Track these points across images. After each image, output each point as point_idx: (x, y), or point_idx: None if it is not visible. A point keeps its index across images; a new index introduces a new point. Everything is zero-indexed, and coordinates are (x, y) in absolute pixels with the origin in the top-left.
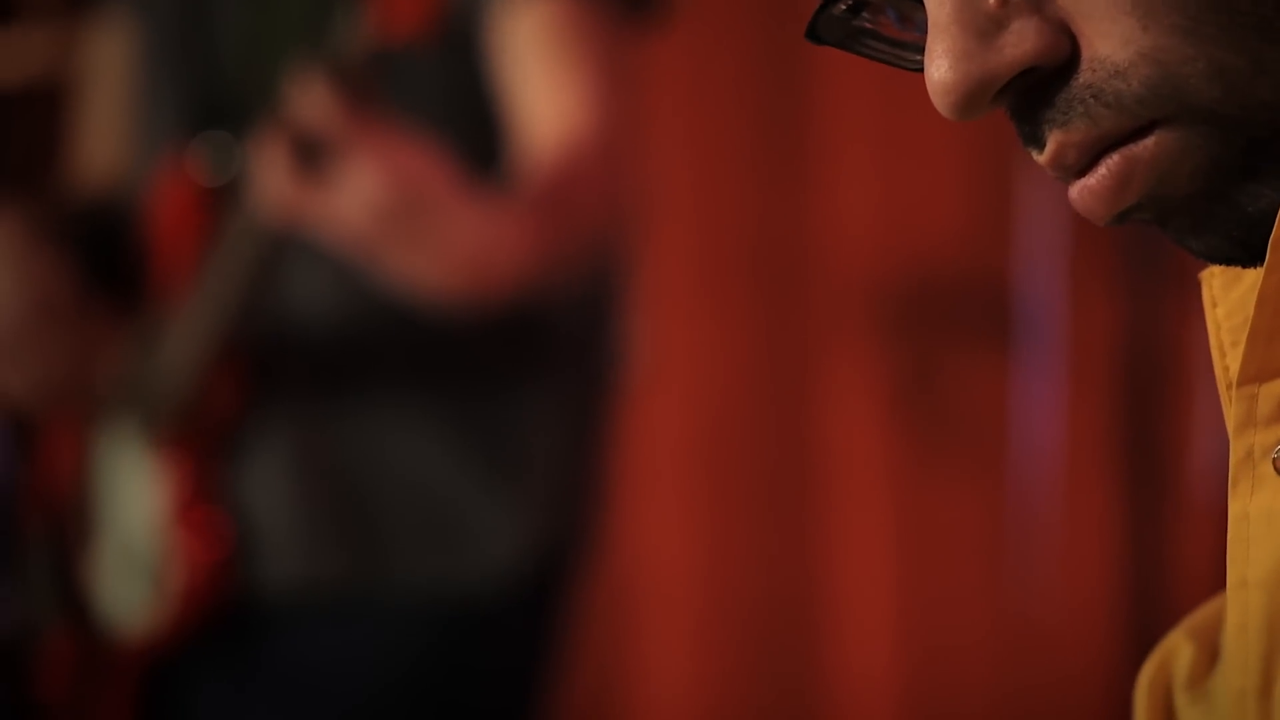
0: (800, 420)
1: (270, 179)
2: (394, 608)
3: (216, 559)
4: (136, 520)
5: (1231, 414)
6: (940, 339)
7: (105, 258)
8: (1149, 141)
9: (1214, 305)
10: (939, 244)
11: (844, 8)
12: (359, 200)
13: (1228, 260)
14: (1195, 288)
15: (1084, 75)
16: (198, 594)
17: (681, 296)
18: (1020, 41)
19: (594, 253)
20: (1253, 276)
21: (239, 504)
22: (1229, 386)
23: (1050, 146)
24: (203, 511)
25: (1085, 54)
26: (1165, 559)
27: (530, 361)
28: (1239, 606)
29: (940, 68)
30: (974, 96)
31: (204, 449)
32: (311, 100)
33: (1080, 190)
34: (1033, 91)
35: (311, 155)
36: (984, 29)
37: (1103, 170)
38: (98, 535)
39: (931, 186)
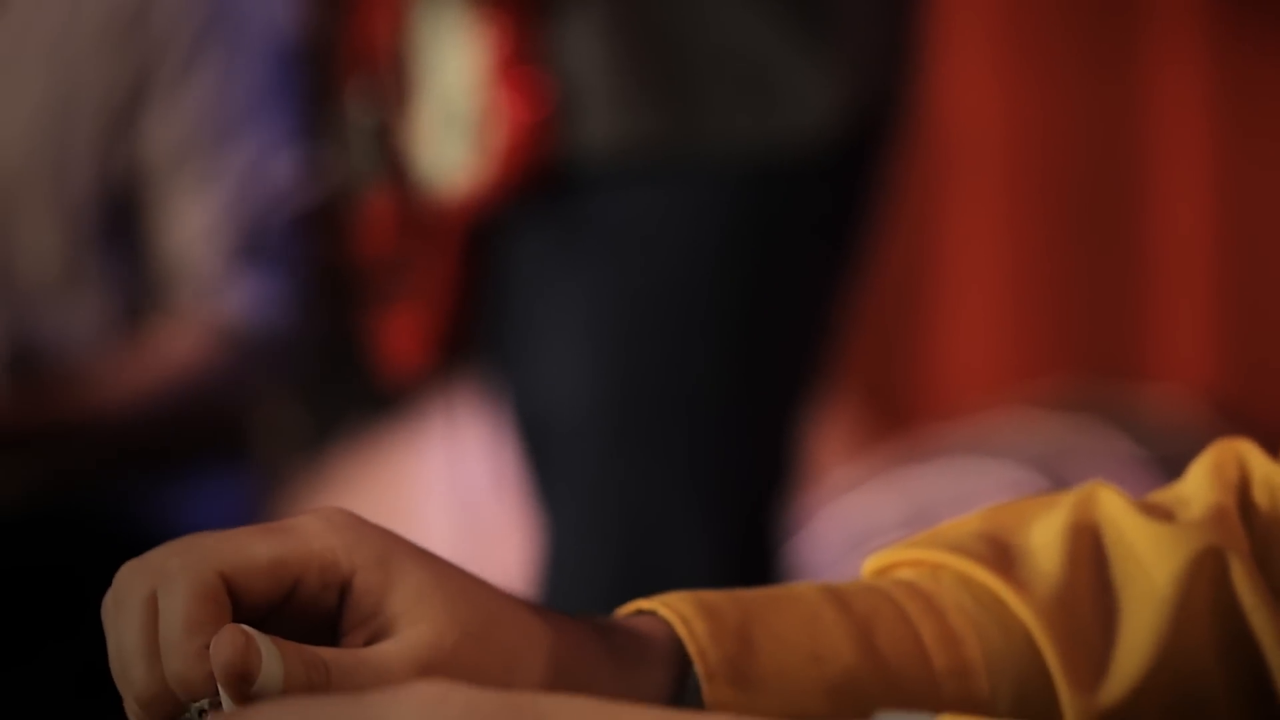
0: None
1: None
2: (708, 167)
3: (536, 118)
4: (456, 79)
5: None
6: None
7: None
8: None
9: None
10: None
11: None
12: None
13: None
14: None
15: None
16: (517, 153)
17: None
18: None
19: None
20: None
21: (558, 63)
22: None
23: None
24: (523, 70)
25: None
26: None
27: None
28: None
29: None
30: None
31: (524, 7)
32: None
33: None
34: None
35: None
36: None
37: None
38: (418, 95)
39: None
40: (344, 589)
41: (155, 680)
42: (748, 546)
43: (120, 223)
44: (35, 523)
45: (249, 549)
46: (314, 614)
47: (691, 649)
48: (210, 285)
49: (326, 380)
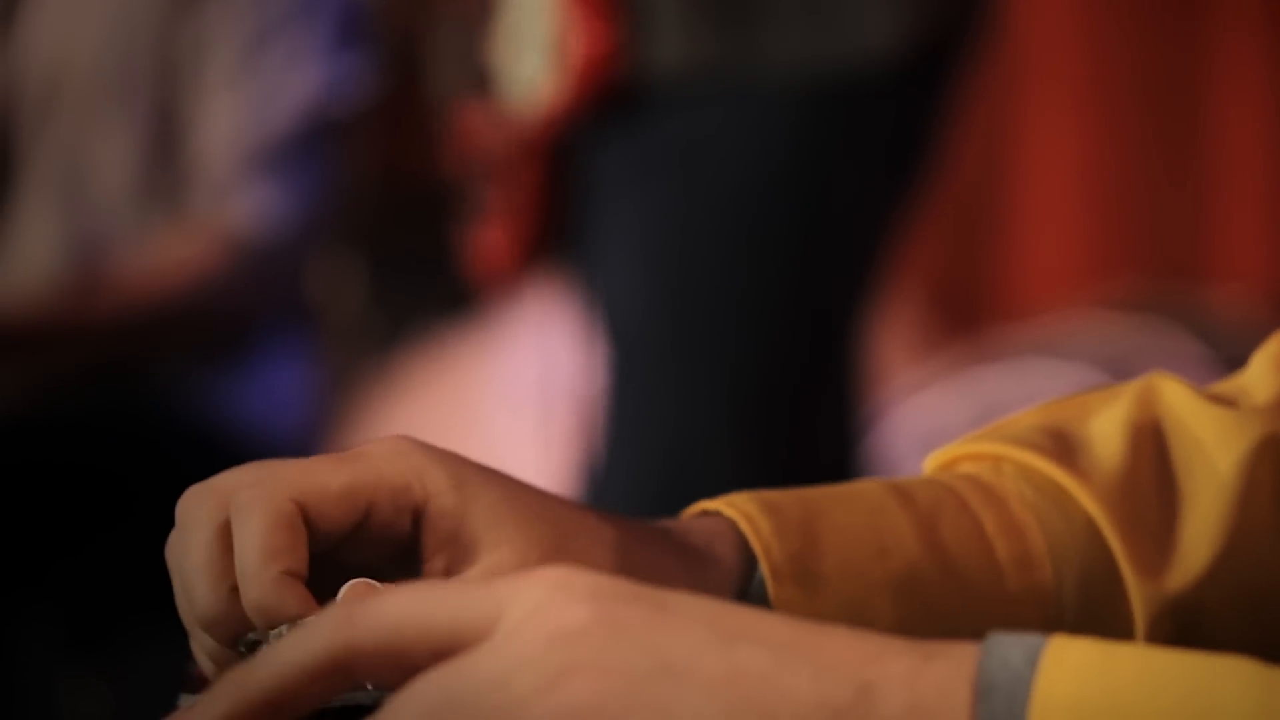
0: None
1: None
2: (772, 89)
3: (609, 39)
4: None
5: None
6: None
7: None
8: None
9: None
10: None
11: None
12: None
13: None
14: None
15: None
16: (590, 73)
17: None
18: None
19: None
20: None
21: None
22: None
23: None
24: None
25: None
26: None
27: None
28: None
29: None
30: None
31: None
32: None
33: None
34: None
35: None
36: None
37: None
38: (502, 12)
39: None
40: (417, 514)
41: (220, 600)
42: (797, 465)
43: (165, 128)
44: (88, 419)
45: (321, 476)
46: (388, 540)
47: (756, 546)
48: (226, 191)
49: (401, 279)
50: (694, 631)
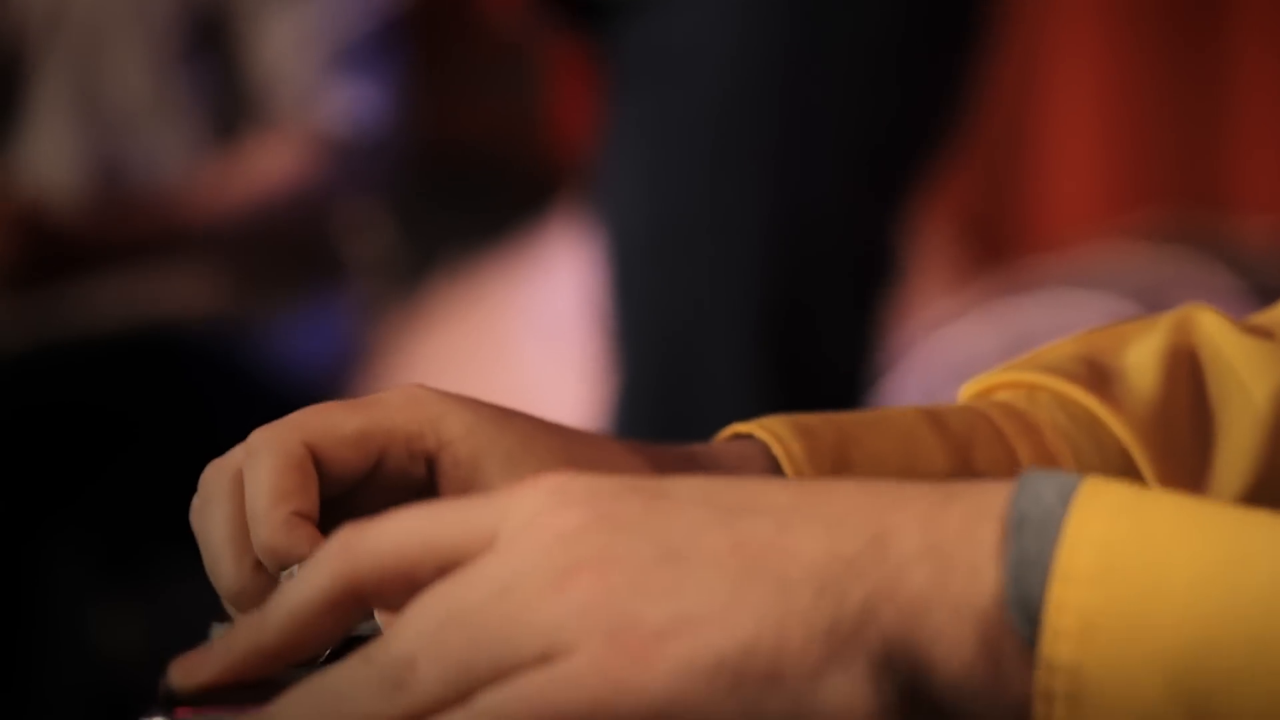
0: None
1: None
2: None
3: None
4: None
5: None
6: None
7: None
8: None
9: None
10: None
11: None
12: None
13: None
14: None
15: None
16: None
17: None
18: None
19: None
20: None
21: None
22: None
23: None
24: None
25: None
26: None
27: None
28: None
29: None
30: None
31: None
32: None
33: None
34: None
35: None
36: None
37: None
38: None
39: None
40: (431, 462)
41: (243, 575)
42: (803, 375)
43: (208, 42)
44: (126, 342)
45: (333, 420)
46: (403, 488)
47: (789, 470)
48: (306, 97)
49: (427, 209)
50: (693, 512)
